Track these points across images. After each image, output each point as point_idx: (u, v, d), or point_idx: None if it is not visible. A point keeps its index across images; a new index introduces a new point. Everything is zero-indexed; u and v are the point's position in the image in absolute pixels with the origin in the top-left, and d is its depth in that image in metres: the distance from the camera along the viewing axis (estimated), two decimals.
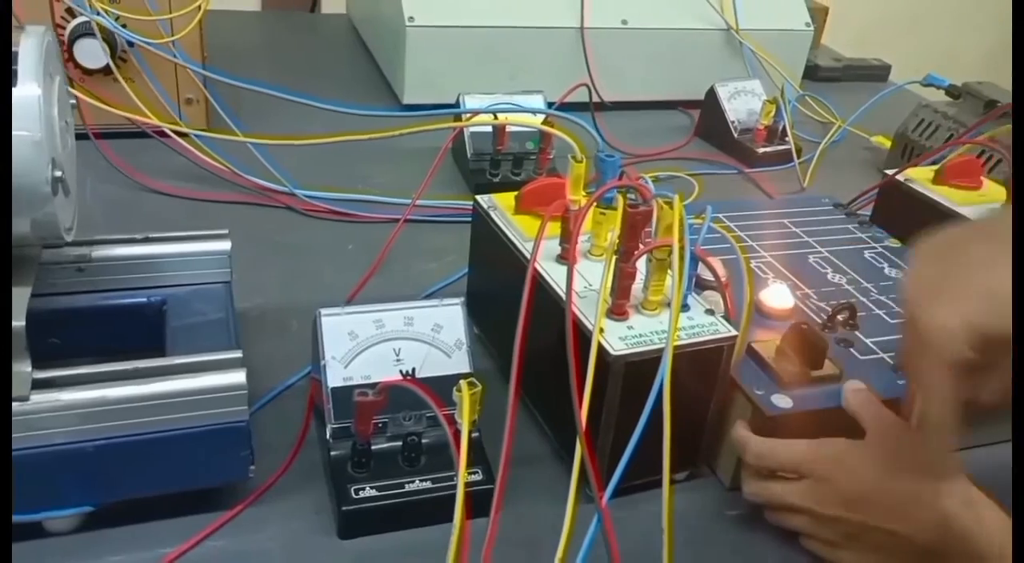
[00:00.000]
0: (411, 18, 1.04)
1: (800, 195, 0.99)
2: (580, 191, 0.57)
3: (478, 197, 0.65)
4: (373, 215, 0.84)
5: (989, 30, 2.34)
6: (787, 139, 1.05)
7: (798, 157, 1.04)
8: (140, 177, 0.85)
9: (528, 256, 0.56)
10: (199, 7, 0.86)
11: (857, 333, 0.61)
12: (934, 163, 0.81)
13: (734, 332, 0.52)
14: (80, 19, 0.82)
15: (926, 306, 0.44)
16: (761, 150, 1.05)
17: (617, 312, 0.51)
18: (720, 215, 0.75)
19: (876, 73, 1.46)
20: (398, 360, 0.53)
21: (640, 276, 0.52)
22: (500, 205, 0.63)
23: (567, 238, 0.56)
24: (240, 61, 1.02)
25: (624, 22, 1.13)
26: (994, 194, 0.75)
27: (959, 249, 0.46)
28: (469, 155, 0.90)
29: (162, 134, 0.86)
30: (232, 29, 1.28)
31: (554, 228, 0.56)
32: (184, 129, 0.87)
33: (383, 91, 1.16)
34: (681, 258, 0.47)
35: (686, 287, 0.52)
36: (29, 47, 0.42)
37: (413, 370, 0.53)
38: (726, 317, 0.53)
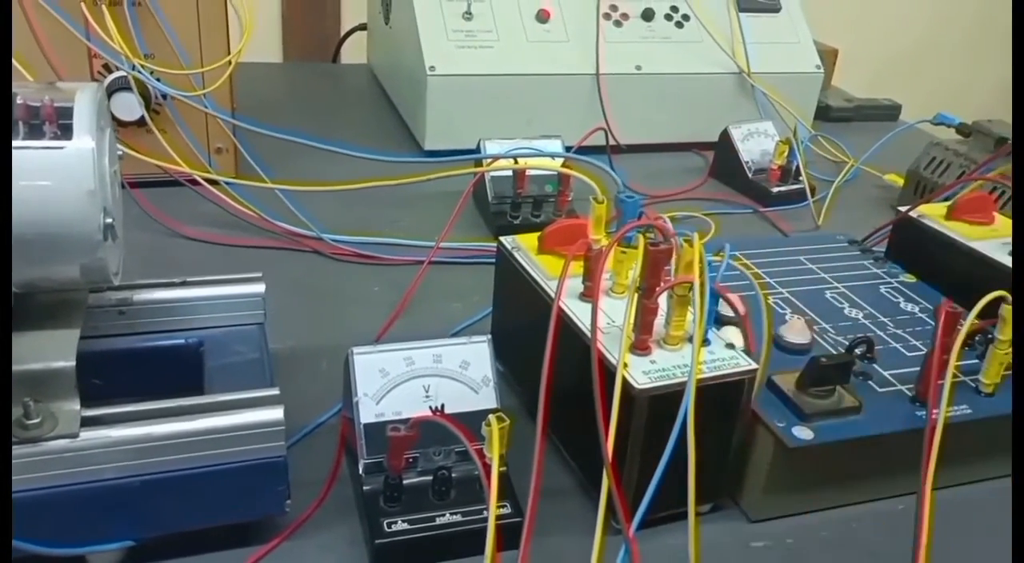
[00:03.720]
0: (432, 67, 1.08)
1: (815, 233, 1.00)
2: (602, 231, 0.59)
3: (502, 238, 0.67)
4: (398, 258, 0.87)
5: (999, 65, 2.36)
6: (801, 178, 1.07)
7: (812, 196, 1.06)
8: (172, 224, 0.88)
9: (551, 294, 0.58)
10: (230, 62, 0.90)
11: (875, 366, 0.63)
12: (946, 199, 0.83)
13: (755, 365, 0.53)
14: (117, 74, 0.86)
15: None
16: (775, 189, 1.07)
17: (640, 347, 0.53)
18: (737, 252, 0.76)
19: (887, 113, 1.48)
20: (427, 396, 0.55)
21: (661, 312, 0.53)
22: (523, 246, 0.65)
23: (590, 276, 0.58)
24: (266, 111, 1.05)
25: (638, 67, 1.16)
26: (1006, 229, 0.77)
27: None
28: (490, 198, 0.93)
29: (193, 182, 0.89)
30: (257, 80, 1.31)
31: (576, 267, 0.58)
32: (214, 177, 0.90)
33: (404, 137, 1.19)
34: (702, 294, 0.49)
35: (707, 322, 0.54)
36: (84, 102, 0.44)
37: (442, 406, 0.55)
38: (746, 351, 0.55)
